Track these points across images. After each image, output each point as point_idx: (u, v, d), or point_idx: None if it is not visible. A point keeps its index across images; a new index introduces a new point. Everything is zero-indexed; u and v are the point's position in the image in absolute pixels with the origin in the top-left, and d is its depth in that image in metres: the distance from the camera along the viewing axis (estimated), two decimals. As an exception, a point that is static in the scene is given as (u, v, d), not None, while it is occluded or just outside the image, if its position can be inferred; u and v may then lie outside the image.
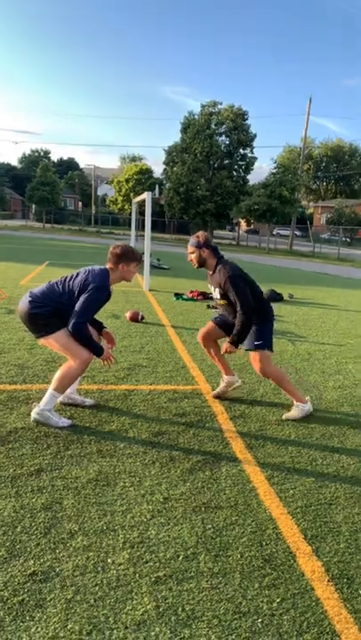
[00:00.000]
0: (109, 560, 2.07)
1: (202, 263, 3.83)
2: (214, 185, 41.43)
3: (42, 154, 71.50)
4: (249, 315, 3.62)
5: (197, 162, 41.03)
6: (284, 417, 3.84)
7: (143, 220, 19.27)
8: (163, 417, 3.62)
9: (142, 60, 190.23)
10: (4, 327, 5.83)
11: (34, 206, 48.70)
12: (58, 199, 42.96)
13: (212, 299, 9.51)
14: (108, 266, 3.47)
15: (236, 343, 3.71)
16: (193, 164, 40.87)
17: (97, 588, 1.91)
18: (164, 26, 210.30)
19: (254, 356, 3.80)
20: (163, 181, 45.39)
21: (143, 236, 20.67)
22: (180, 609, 1.85)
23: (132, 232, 17.25)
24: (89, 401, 3.75)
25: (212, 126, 41.90)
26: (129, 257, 3.45)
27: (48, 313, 3.32)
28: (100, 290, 3.32)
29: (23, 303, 3.39)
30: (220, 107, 42.10)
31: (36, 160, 63.42)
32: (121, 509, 2.43)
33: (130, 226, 48.08)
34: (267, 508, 2.57)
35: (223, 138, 42.63)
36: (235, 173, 43.07)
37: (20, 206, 59.99)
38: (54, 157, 74.56)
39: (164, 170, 45.51)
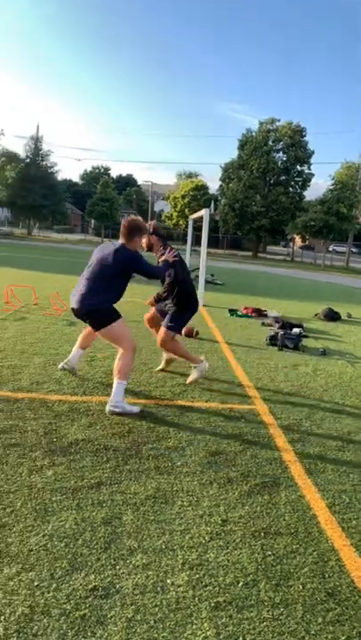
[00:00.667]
0: (169, 581, 2.06)
1: (150, 247, 4.66)
2: (270, 201, 41.23)
3: (102, 170, 73.80)
4: (175, 285, 4.52)
5: (253, 178, 41.03)
6: (188, 381, 4.68)
7: (197, 235, 19.40)
8: (219, 436, 3.58)
9: (202, 78, 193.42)
10: (65, 339, 6.00)
11: (93, 221, 50.19)
12: (116, 215, 44.08)
13: (266, 316, 9.41)
14: (122, 241, 3.91)
15: (155, 300, 4.77)
16: (249, 180, 40.89)
17: (157, 609, 1.90)
18: (221, 43, 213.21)
19: (162, 331, 4.63)
20: (218, 197, 45.66)
21: (196, 250, 20.80)
22: (240, 638, 1.80)
23: (188, 247, 17.40)
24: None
25: (270, 143, 41.84)
26: (142, 230, 4.00)
27: (112, 303, 3.89)
28: (138, 256, 3.90)
29: (87, 300, 3.80)
30: (278, 124, 42.04)
31: (96, 176, 65.54)
32: (179, 529, 2.42)
33: (183, 241, 48.70)
34: (328, 538, 2.48)
35: (280, 154, 42.46)
36: (291, 190, 42.70)
37: (80, 221, 62.04)
38: (114, 174, 76.77)
39: (220, 186, 45.78)
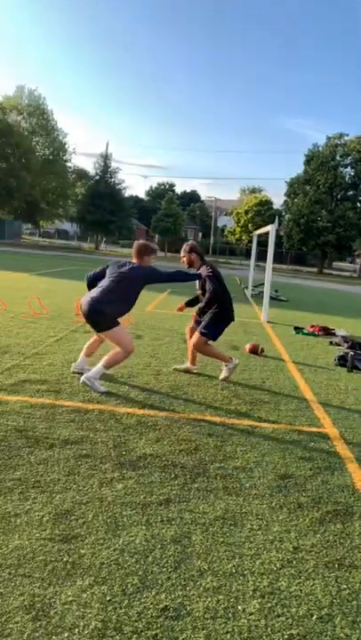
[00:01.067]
0: (240, 607, 2.00)
1: (191, 264, 5.15)
2: (336, 216, 40.26)
3: (167, 187, 75.23)
4: (214, 296, 4.99)
5: (320, 193, 40.31)
6: (220, 378, 5.15)
7: (260, 250, 19.24)
8: (288, 459, 3.49)
9: (267, 93, 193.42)
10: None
11: (157, 236, 51.15)
12: (180, 230, 44.74)
13: (334, 334, 9.11)
14: (135, 260, 4.65)
15: (186, 304, 5.42)
16: (315, 195, 40.22)
17: (228, 635, 1.85)
18: (284, 58, 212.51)
19: (196, 336, 5.09)
20: (282, 213, 45.21)
21: (259, 266, 20.61)
22: None
23: (252, 263, 17.31)
24: (88, 368, 4.83)
25: (338, 158, 41.01)
26: (149, 251, 4.69)
27: (115, 311, 4.46)
28: (154, 269, 4.67)
29: (94, 305, 4.38)
30: (346, 138, 41.18)
31: (161, 193, 66.85)
32: (249, 553, 2.36)
33: (246, 256, 48.64)
34: None
35: (348, 169, 41.48)
36: (359, 205, 41.52)
37: (145, 236, 63.43)
38: (178, 190, 78.01)
39: (285, 201, 45.33)
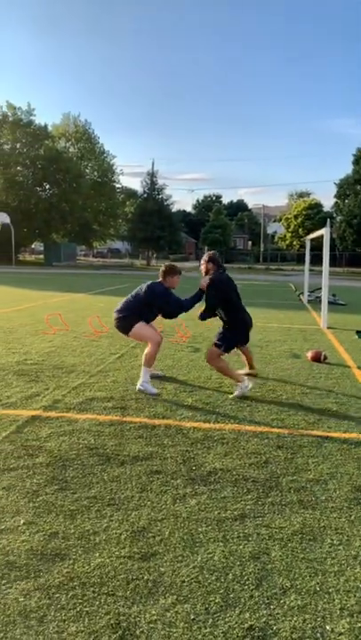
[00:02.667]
0: (328, 627, 1.93)
1: (207, 272, 5.20)
2: (391, 214, 38.86)
3: (214, 199, 75.49)
4: (209, 306, 5.03)
5: (372, 191, 39.10)
6: (231, 397, 4.86)
7: (313, 255, 18.82)
8: (364, 469, 3.35)
9: (307, 96, 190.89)
10: (192, 365, 6.13)
11: (206, 248, 51.33)
12: (229, 240, 44.71)
13: None
14: (160, 280, 5.11)
15: (201, 317, 5.19)
16: (367, 194, 39.05)
17: (319, 657, 1.79)
18: (324, 60, 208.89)
19: (209, 349, 5.18)
20: (333, 215, 44.21)
21: (313, 270, 20.12)
22: None
23: (306, 268, 16.98)
24: (161, 373, 5.56)
25: (388, 153, 39.70)
26: (171, 272, 5.11)
27: (132, 316, 5.00)
28: (166, 293, 5.06)
29: (118, 312, 5.07)
30: (396, 132, 39.74)
31: (208, 205, 67.16)
32: (333, 570, 2.27)
33: (297, 261, 47.81)
34: None
35: None
36: None
37: (194, 249, 63.85)
38: (225, 201, 78.04)
39: (335, 203, 44.33)
